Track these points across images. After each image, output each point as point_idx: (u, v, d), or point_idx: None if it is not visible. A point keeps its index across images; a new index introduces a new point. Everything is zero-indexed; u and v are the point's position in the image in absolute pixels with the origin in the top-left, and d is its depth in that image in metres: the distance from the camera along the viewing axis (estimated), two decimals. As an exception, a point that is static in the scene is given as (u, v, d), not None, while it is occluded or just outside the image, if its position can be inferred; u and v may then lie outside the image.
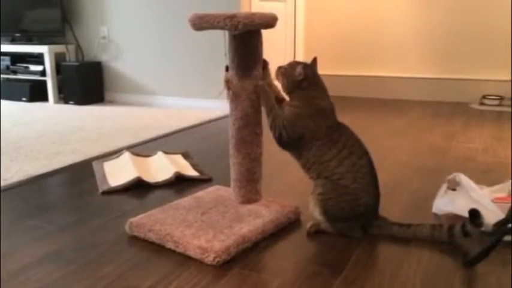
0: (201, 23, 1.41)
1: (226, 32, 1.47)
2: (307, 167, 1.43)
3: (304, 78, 1.41)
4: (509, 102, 3.72)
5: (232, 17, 1.37)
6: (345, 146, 1.39)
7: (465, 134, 2.81)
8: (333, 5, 4.35)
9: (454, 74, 4.02)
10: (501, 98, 3.77)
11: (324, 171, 1.39)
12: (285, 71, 1.46)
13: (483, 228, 1.32)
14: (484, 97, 3.85)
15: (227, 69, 1.52)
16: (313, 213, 1.44)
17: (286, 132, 1.42)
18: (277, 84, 1.52)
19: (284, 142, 1.43)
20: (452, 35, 3.98)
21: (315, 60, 1.48)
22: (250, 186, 1.57)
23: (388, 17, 4.18)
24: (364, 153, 1.41)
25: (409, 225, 1.39)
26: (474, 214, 1.27)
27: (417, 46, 4.12)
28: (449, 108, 3.72)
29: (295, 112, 1.42)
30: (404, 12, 4.12)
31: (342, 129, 1.42)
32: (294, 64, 1.46)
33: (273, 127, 1.44)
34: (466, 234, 1.29)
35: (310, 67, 1.45)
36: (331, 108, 1.45)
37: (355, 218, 1.39)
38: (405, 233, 1.38)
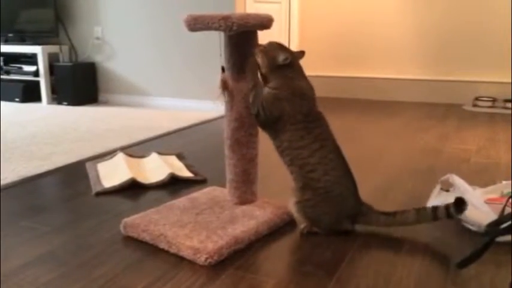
0: (196, 24, 1.41)
1: (222, 33, 1.47)
2: (280, 150, 1.44)
3: (287, 63, 1.41)
4: (502, 104, 3.75)
5: (226, 18, 1.37)
6: (317, 138, 1.40)
7: (458, 136, 2.82)
8: (327, 6, 4.36)
9: (447, 76, 4.05)
10: (494, 100, 3.80)
11: (296, 159, 1.40)
12: (265, 50, 1.44)
13: (470, 224, 1.38)
14: (477, 99, 3.87)
15: (223, 70, 1.52)
16: (293, 213, 1.46)
17: (264, 112, 1.42)
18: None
19: (261, 121, 1.45)
20: (446, 37, 4.00)
21: (302, 53, 1.48)
22: (246, 187, 1.57)
23: (382, 19, 4.19)
24: (335, 148, 1.43)
25: (394, 214, 1.40)
26: (459, 202, 1.31)
27: (411, 48, 4.14)
28: (443, 109, 3.74)
29: (273, 94, 1.42)
30: (399, 14, 4.14)
31: (319, 120, 1.43)
32: (275, 45, 1.45)
33: (253, 105, 1.45)
34: (449, 215, 1.33)
35: (295, 56, 1.45)
36: (311, 91, 1.45)
37: (334, 211, 1.40)
38: (392, 222, 1.40)
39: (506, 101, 3.74)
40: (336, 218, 1.41)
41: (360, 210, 1.42)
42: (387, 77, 4.25)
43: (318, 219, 1.42)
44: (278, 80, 1.43)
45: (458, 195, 1.54)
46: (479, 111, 3.67)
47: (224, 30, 1.40)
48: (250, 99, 1.46)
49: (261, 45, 1.48)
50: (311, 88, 1.46)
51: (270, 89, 1.43)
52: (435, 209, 1.35)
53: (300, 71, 1.46)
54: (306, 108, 1.42)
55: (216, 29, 1.39)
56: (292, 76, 1.43)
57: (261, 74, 1.46)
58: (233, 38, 1.46)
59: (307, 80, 1.46)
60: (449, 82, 4.04)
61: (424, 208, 1.39)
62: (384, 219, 1.41)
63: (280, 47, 1.45)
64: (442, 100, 4.04)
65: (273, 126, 1.43)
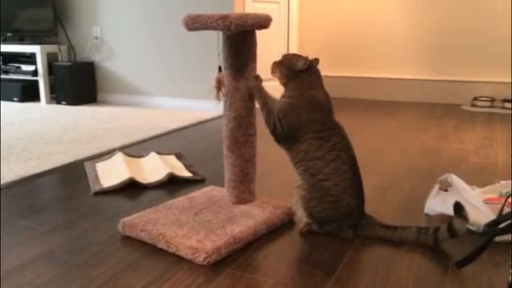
0: (194, 24, 1.41)
1: (220, 33, 1.47)
2: (295, 161, 1.43)
3: (306, 69, 1.41)
4: (500, 104, 3.75)
5: (225, 17, 1.37)
6: (334, 148, 1.39)
7: (457, 135, 2.83)
8: (327, 6, 4.36)
9: (446, 76, 4.05)
10: (492, 100, 3.81)
11: (310, 169, 1.40)
12: (284, 60, 1.44)
13: (470, 224, 1.36)
14: (475, 99, 3.87)
15: (220, 69, 1.52)
16: (295, 210, 1.45)
17: (281, 125, 1.41)
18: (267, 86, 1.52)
19: (279, 135, 1.43)
20: (445, 37, 4.00)
21: (317, 60, 1.47)
22: (244, 187, 1.57)
23: (381, 19, 4.19)
24: (350, 159, 1.41)
25: (395, 228, 1.39)
26: (458, 208, 1.30)
27: (410, 48, 4.14)
28: (442, 109, 3.74)
29: (289, 103, 1.42)
30: (398, 15, 4.14)
31: (335, 129, 1.42)
32: (293, 55, 1.46)
33: (267, 121, 1.44)
34: (452, 235, 1.30)
35: (314, 63, 1.45)
36: (328, 101, 1.44)
37: (339, 219, 1.40)
38: (391, 236, 1.39)
39: (505, 100, 3.74)
40: (338, 225, 1.41)
41: (361, 221, 1.42)
42: (385, 77, 4.25)
43: (320, 220, 1.41)
44: (295, 90, 1.43)
45: (457, 194, 1.54)
46: (477, 111, 3.67)
47: (222, 30, 1.40)
48: (264, 117, 1.45)
49: (276, 61, 1.47)
50: (328, 98, 1.45)
51: (285, 98, 1.43)
52: (436, 230, 1.33)
53: (318, 80, 1.44)
54: (323, 117, 1.41)
55: (214, 28, 1.39)
56: (310, 86, 1.42)
57: (282, 84, 1.46)
58: (231, 38, 1.46)
59: (324, 90, 1.45)
60: (448, 82, 4.04)
61: (426, 228, 1.35)
62: (383, 232, 1.40)
63: (296, 55, 1.45)
64: (440, 100, 4.04)
65: (290, 138, 1.42)
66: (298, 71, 1.41)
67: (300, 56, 1.45)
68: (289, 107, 1.41)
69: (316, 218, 1.41)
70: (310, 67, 1.42)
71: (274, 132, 1.44)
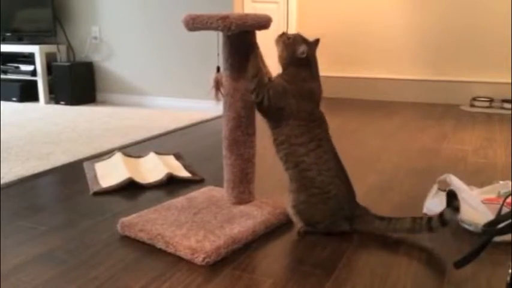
0: (194, 24, 1.42)
1: (220, 33, 1.47)
2: (276, 142, 1.43)
3: (305, 58, 1.40)
4: (499, 104, 3.76)
5: (225, 17, 1.37)
6: (315, 138, 1.40)
7: (456, 136, 2.83)
8: (325, 7, 4.37)
9: (445, 76, 4.05)
10: (491, 100, 3.81)
11: (291, 155, 1.41)
12: (288, 42, 1.43)
13: (468, 224, 1.39)
14: (474, 99, 3.88)
15: (218, 69, 1.52)
16: (290, 215, 1.46)
17: (269, 102, 1.41)
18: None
19: (264, 108, 1.43)
20: (444, 37, 4.00)
21: (317, 41, 1.47)
22: (243, 187, 1.57)
23: (380, 19, 4.20)
24: (331, 149, 1.43)
25: (390, 219, 1.40)
26: (450, 198, 1.32)
27: (409, 48, 4.15)
28: (441, 110, 3.75)
29: (284, 86, 1.41)
30: (397, 15, 4.14)
31: (320, 121, 1.43)
32: (298, 38, 1.44)
33: (255, 91, 1.43)
34: (443, 223, 1.32)
35: (312, 49, 1.44)
36: (319, 94, 1.45)
37: (331, 213, 1.40)
38: (387, 228, 1.39)
39: (504, 101, 3.75)
40: (332, 220, 1.41)
41: (355, 212, 1.42)
42: (385, 77, 4.25)
43: (314, 222, 1.42)
44: (292, 75, 1.42)
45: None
46: (476, 112, 3.67)
47: (222, 30, 1.40)
48: (253, 86, 1.43)
49: (285, 34, 1.45)
50: (320, 90, 1.45)
51: (282, 80, 1.42)
52: (430, 219, 1.34)
53: (315, 70, 1.45)
54: (311, 108, 1.42)
55: (214, 29, 1.39)
56: (306, 76, 1.43)
57: (281, 64, 1.45)
58: (231, 38, 1.46)
59: (319, 81, 1.46)
60: (446, 82, 4.05)
61: (420, 218, 1.37)
62: (378, 223, 1.40)
63: (299, 40, 1.43)
64: (439, 100, 4.05)
65: (273, 115, 1.42)
66: (298, 58, 1.41)
67: (302, 40, 1.43)
68: (283, 89, 1.41)
69: (307, 219, 1.42)
70: (308, 57, 1.41)
71: (259, 104, 1.43)
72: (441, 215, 1.33)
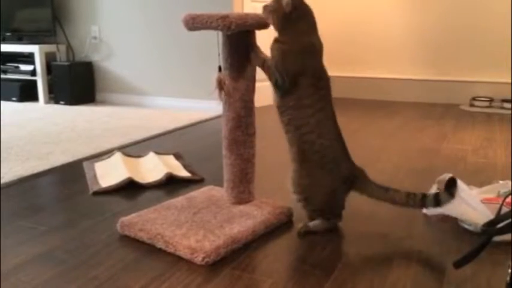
0: (194, 23, 1.41)
1: (220, 32, 1.47)
2: (282, 110, 1.42)
3: (293, 8, 1.36)
4: (499, 104, 3.76)
5: (225, 17, 1.37)
6: (322, 99, 1.40)
7: (455, 135, 2.83)
8: (325, 6, 4.36)
9: (444, 76, 4.05)
10: (491, 100, 3.81)
11: (296, 119, 1.39)
12: (273, 6, 1.40)
13: (468, 224, 1.41)
14: (474, 99, 3.88)
15: (220, 69, 1.52)
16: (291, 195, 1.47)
17: (280, 74, 1.38)
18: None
19: (282, 86, 1.40)
20: (444, 37, 4.01)
21: None
22: (243, 187, 1.57)
23: (380, 19, 4.20)
24: (332, 112, 1.42)
25: (387, 189, 1.40)
26: (451, 182, 1.34)
27: (409, 48, 4.15)
28: (440, 109, 3.75)
29: (282, 50, 1.39)
30: (397, 15, 4.14)
31: (325, 80, 1.41)
32: None
33: (269, 77, 1.42)
34: (437, 203, 1.35)
35: (300, 1, 1.41)
36: (320, 47, 1.42)
37: (331, 180, 1.40)
38: (383, 195, 1.40)
39: (504, 101, 3.75)
40: (332, 189, 1.41)
41: (354, 172, 1.43)
42: (385, 77, 4.25)
43: (313, 192, 1.42)
44: (289, 35, 1.40)
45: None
46: (476, 111, 3.67)
47: (222, 30, 1.40)
48: (267, 75, 1.42)
49: (267, 5, 1.41)
50: (321, 44, 1.43)
51: (278, 44, 1.40)
52: (424, 196, 1.37)
53: (312, 24, 1.42)
54: (315, 63, 1.41)
55: (214, 28, 1.39)
56: (303, 31, 1.40)
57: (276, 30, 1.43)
58: (231, 38, 1.46)
59: (318, 35, 1.43)
60: (446, 82, 4.05)
61: (414, 194, 1.39)
62: (376, 189, 1.41)
63: None
64: (439, 100, 4.05)
65: (290, 84, 1.38)
66: (288, 15, 1.37)
67: None
68: (282, 53, 1.39)
69: (306, 190, 1.42)
70: (298, 11, 1.38)
71: (277, 85, 1.41)
72: (437, 195, 1.35)
